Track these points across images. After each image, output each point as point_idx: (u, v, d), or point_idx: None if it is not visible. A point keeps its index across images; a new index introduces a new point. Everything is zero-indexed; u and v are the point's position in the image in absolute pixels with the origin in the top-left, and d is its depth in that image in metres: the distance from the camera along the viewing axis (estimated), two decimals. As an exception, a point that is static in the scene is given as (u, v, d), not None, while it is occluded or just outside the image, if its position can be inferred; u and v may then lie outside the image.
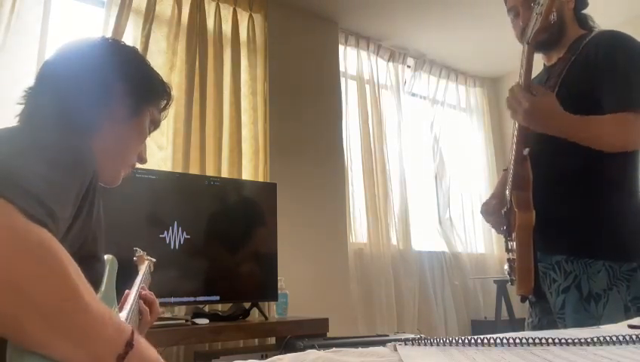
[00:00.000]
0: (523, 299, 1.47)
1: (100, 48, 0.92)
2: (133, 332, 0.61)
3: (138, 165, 1.01)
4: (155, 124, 0.99)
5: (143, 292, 1.07)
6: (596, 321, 1.21)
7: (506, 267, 1.56)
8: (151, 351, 0.66)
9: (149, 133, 0.99)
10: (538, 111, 1.28)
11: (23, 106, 0.87)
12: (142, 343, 0.64)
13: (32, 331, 0.51)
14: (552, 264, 1.36)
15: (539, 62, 1.62)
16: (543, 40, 1.39)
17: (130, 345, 0.59)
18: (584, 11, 1.51)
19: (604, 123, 1.28)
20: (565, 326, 1.30)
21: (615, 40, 1.36)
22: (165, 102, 1.00)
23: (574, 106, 1.35)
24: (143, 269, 1.17)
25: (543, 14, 1.18)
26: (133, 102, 0.91)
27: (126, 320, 0.87)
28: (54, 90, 0.84)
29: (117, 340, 0.59)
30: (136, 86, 0.92)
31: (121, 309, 0.95)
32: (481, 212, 1.62)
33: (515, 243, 1.40)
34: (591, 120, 1.29)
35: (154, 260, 1.29)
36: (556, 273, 1.34)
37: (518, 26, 1.48)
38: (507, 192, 1.46)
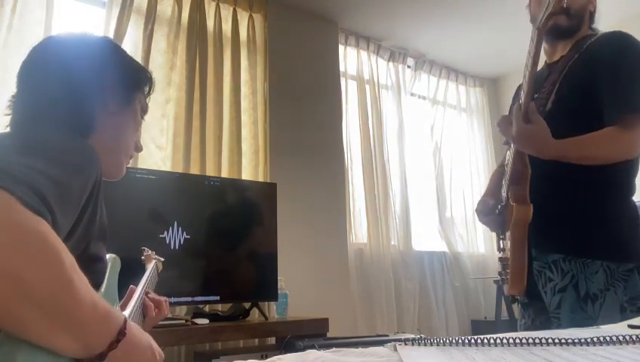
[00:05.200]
0: (513, 300, 1.47)
1: (82, 44, 0.91)
2: (125, 321, 0.62)
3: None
4: (144, 110, 1.00)
5: (150, 295, 1.07)
6: (593, 322, 1.21)
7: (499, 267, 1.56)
8: (143, 339, 0.68)
9: (141, 119, 0.99)
10: (525, 139, 1.30)
11: (12, 112, 0.85)
12: (134, 332, 0.66)
13: (24, 319, 0.52)
14: (549, 263, 1.35)
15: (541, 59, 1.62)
16: (560, 25, 1.39)
17: (122, 333, 0.61)
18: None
19: (594, 142, 1.28)
20: (560, 326, 1.29)
21: (622, 41, 1.35)
22: (148, 87, 1.00)
23: (574, 104, 1.35)
24: (150, 269, 1.17)
25: None
26: (123, 91, 0.91)
27: (129, 317, 0.87)
28: (50, 92, 0.83)
29: (109, 328, 0.60)
30: (123, 75, 0.92)
31: (124, 306, 0.96)
32: (478, 211, 1.61)
33: (509, 241, 1.40)
34: (581, 142, 1.29)
35: (162, 260, 1.29)
36: (552, 272, 1.34)
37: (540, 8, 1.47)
38: (503, 188, 1.46)
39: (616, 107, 1.29)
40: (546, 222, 1.35)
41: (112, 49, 0.94)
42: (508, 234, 1.45)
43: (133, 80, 0.95)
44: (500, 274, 1.53)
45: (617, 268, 1.27)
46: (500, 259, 1.51)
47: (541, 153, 1.31)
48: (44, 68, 0.86)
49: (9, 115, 0.85)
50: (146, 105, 1.00)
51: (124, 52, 0.97)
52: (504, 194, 1.46)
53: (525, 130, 1.29)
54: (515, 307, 3.33)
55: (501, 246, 1.52)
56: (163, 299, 1.10)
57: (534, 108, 1.30)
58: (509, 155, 1.43)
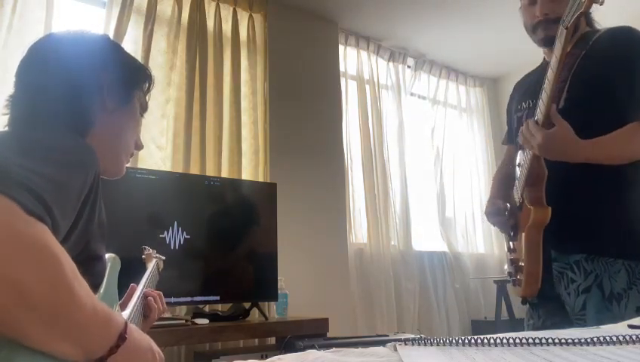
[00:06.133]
0: (524, 301, 1.46)
1: (81, 42, 0.90)
2: (126, 325, 0.62)
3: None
4: (144, 108, 0.99)
5: (151, 291, 1.07)
6: (619, 321, 1.21)
7: (506, 267, 1.55)
8: (143, 342, 0.68)
9: (141, 117, 0.99)
10: (551, 145, 1.27)
11: (10, 112, 0.84)
12: (135, 335, 0.65)
13: (23, 325, 0.51)
14: (570, 263, 1.34)
15: (537, 58, 1.62)
16: (554, 36, 1.37)
17: (122, 337, 0.61)
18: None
19: (620, 140, 1.27)
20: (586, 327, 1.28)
21: (633, 35, 1.35)
22: (147, 84, 1.00)
23: (588, 101, 1.34)
24: (151, 267, 1.17)
25: None
26: (122, 89, 0.91)
27: (129, 317, 0.87)
28: (48, 92, 0.83)
29: (109, 333, 0.60)
30: (122, 73, 0.91)
31: (125, 305, 0.96)
32: (488, 212, 1.59)
33: (523, 242, 1.38)
34: (606, 141, 1.27)
35: (163, 258, 1.29)
36: (575, 273, 1.32)
37: (532, 14, 1.45)
38: (516, 190, 1.45)
39: (635, 103, 1.28)
40: (566, 223, 1.33)
41: (111, 46, 0.94)
42: (521, 235, 1.43)
43: (132, 78, 0.95)
44: (510, 274, 1.51)
45: (637, 266, 1.27)
46: (512, 260, 1.49)
47: (570, 157, 1.28)
48: (43, 65, 0.85)
49: (7, 114, 0.85)
50: (145, 103, 1.00)
51: (122, 50, 0.97)
52: (517, 196, 1.44)
53: (551, 135, 1.26)
54: (516, 307, 3.34)
55: (511, 246, 1.51)
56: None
57: (555, 111, 1.28)
58: (521, 156, 1.41)
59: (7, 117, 0.85)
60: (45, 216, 0.56)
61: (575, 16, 1.15)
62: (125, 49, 1.00)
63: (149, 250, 1.27)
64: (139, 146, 1.00)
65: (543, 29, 1.42)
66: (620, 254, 1.28)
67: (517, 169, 1.45)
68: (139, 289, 1.01)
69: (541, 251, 1.35)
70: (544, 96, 1.28)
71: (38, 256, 0.52)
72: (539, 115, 1.32)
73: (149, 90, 1.01)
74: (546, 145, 1.27)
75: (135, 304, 0.94)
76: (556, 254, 1.37)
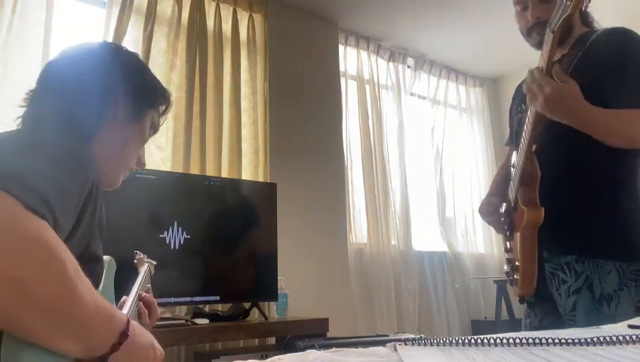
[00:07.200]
0: (522, 300, 1.46)
1: (103, 52, 0.92)
2: (128, 322, 0.63)
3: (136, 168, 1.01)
4: (155, 128, 1.00)
5: (143, 294, 1.07)
6: (610, 322, 1.20)
7: (505, 267, 1.55)
8: (144, 339, 0.68)
9: (149, 136, 0.99)
10: (560, 98, 1.21)
11: (25, 108, 0.87)
12: (137, 332, 0.66)
13: (27, 323, 0.52)
14: (561, 264, 1.34)
15: (537, 58, 1.62)
16: None
17: (124, 334, 0.61)
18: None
19: (623, 117, 1.24)
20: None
21: (628, 38, 1.34)
22: (165, 106, 1.00)
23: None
24: (143, 272, 1.17)
25: (574, 1, 1.10)
26: (135, 105, 0.92)
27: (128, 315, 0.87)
28: (58, 93, 0.84)
29: (112, 330, 0.61)
30: (138, 90, 0.92)
31: (120, 309, 0.95)
32: (482, 211, 1.60)
33: (518, 242, 1.39)
34: (618, 115, 1.24)
35: (154, 263, 1.29)
36: (566, 274, 1.33)
37: (525, 19, 1.46)
38: (511, 189, 1.45)
39: (629, 104, 1.26)
40: (558, 224, 1.33)
41: (127, 60, 0.95)
42: (516, 235, 1.43)
43: (149, 95, 0.95)
44: (507, 274, 1.51)
45: (628, 267, 1.26)
46: (508, 259, 1.50)
47: (576, 116, 1.24)
48: (57, 72, 0.87)
49: (24, 107, 0.87)
50: (157, 123, 0.99)
51: (144, 69, 0.98)
52: (512, 195, 1.44)
53: (561, 88, 1.21)
54: (516, 307, 3.34)
55: (508, 246, 1.51)
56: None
57: (560, 70, 1.24)
58: (516, 157, 1.42)
59: (23, 109, 0.87)
60: (47, 213, 0.56)
61: (561, 19, 1.15)
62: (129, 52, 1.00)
63: (140, 255, 1.27)
64: (141, 163, 0.99)
65: (537, 33, 1.42)
66: (610, 255, 1.28)
67: (512, 170, 1.45)
68: (132, 293, 1.01)
69: (536, 251, 1.35)
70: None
71: (40, 254, 0.53)
72: (529, 116, 1.32)
73: (165, 112, 1.01)
74: (554, 97, 1.21)
75: (130, 309, 0.93)
76: (548, 255, 1.37)
